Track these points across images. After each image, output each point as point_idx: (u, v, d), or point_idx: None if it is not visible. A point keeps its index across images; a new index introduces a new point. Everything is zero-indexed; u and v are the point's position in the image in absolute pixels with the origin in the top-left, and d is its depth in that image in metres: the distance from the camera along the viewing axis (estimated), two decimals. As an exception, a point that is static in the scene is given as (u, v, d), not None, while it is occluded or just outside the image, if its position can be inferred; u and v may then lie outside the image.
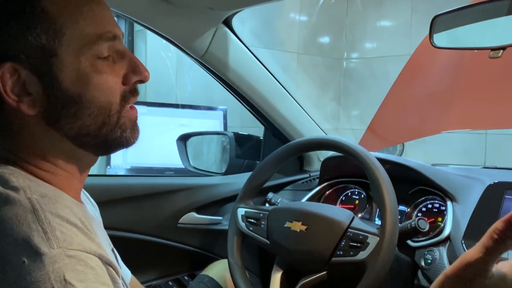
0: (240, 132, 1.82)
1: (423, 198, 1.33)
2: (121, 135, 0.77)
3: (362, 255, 1.07)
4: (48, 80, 0.71)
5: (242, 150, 1.79)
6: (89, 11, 0.73)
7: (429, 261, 1.16)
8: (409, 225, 1.15)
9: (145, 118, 2.14)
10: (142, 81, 0.79)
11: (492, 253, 0.53)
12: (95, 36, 0.72)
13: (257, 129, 1.84)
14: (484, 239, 0.54)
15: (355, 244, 1.10)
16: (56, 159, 0.75)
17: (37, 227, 0.63)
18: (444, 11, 1.11)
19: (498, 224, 0.53)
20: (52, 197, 0.69)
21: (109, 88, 0.74)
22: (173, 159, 1.81)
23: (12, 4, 0.69)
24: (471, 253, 0.55)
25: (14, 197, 0.66)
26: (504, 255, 1.02)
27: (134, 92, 0.79)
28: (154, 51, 3.02)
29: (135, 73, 0.78)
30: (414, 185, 1.34)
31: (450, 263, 1.13)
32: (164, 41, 1.45)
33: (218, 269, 1.46)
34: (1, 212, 0.64)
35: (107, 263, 0.68)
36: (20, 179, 0.69)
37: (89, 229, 0.69)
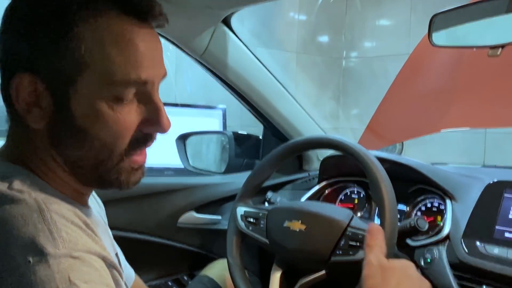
0: (239, 132, 1.82)
1: (423, 197, 1.33)
2: (117, 177, 0.74)
3: (361, 254, 1.07)
4: (60, 103, 0.69)
5: (241, 150, 1.79)
6: (126, 46, 0.69)
7: (429, 260, 1.16)
8: (408, 224, 1.15)
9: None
10: (158, 133, 0.76)
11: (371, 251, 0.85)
12: (121, 79, 0.69)
13: (256, 129, 1.84)
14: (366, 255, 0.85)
15: (354, 243, 1.09)
16: (60, 173, 0.74)
17: (43, 227, 0.63)
18: (443, 10, 1.11)
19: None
20: (57, 199, 0.69)
21: (119, 131, 0.71)
22: (173, 159, 1.81)
23: (49, 20, 0.67)
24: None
25: (19, 197, 0.66)
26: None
27: (147, 140, 0.76)
28: (153, 51, 3.01)
29: (153, 124, 0.74)
30: (413, 184, 1.34)
31: (450, 262, 1.13)
32: (163, 40, 1.45)
33: (217, 269, 1.46)
34: (7, 211, 0.64)
35: (110, 265, 0.68)
36: (27, 181, 0.69)
37: (94, 232, 0.69)
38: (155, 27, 0.75)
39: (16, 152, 0.74)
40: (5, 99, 0.73)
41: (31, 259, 0.60)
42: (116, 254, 0.87)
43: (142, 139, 0.75)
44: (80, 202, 0.77)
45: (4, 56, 0.71)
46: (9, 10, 0.71)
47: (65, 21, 0.67)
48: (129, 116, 0.72)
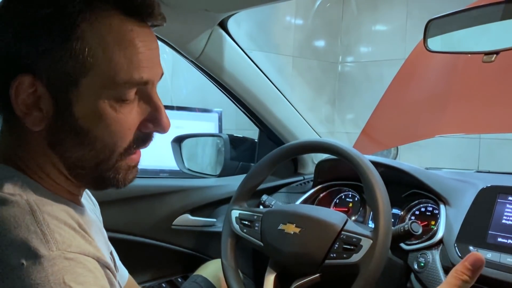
0: (235, 135, 1.82)
1: (417, 202, 1.33)
2: (114, 176, 0.74)
3: (355, 257, 1.07)
4: (61, 105, 0.68)
5: (237, 153, 1.79)
6: (129, 49, 0.69)
7: (422, 264, 1.16)
8: (402, 228, 1.15)
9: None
10: (158, 132, 0.76)
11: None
12: (124, 80, 0.69)
13: (252, 132, 1.84)
14: (449, 278, 0.68)
15: (348, 246, 1.10)
16: (53, 176, 0.73)
17: (36, 229, 0.63)
18: (439, 15, 1.11)
19: (459, 267, 0.67)
20: (49, 200, 0.69)
21: (119, 132, 0.71)
22: (168, 161, 1.81)
23: (51, 21, 0.66)
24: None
25: (11, 199, 0.65)
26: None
27: (147, 140, 0.77)
28: (150, 53, 3.00)
29: (154, 124, 0.75)
30: (407, 189, 1.35)
31: (443, 266, 1.13)
32: (159, 43, 1.45)
33: (211, 269, 1.46)
34: None
35: (104, 266, 0.68)
36: (18, 182, 0.68)
37: (87, 232, 0.69)
38: (152, 27, 0.75)
39: (8, 153, 0.73)
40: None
41: (24, 262, 0.60)
42: (111, 253, 0.87)
43: (142, 139, 0.75)
44: (74, 202, 0.76)
45: (1, 57, 0.69)
46: (4, 11, 0.70)
47: (68, 22, 0.66)
48: (131, 116, 0.72)
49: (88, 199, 0.92)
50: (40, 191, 0.69)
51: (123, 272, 1.04)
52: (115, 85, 0.69)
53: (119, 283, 0.76)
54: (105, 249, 0.82)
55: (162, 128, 0.75)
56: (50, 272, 0.60)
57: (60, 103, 0.69)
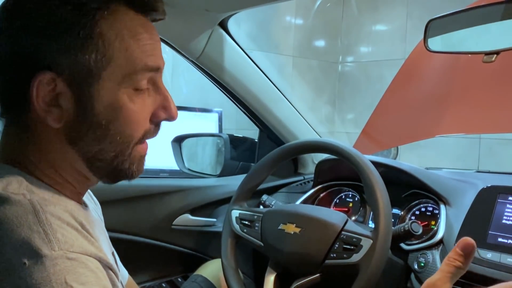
0: (235, 134, 1.82)
1: (417, 202, 1.33)
2: (129, 167, 0.77)
3: (355, 257, 1.07)
4: (84, 99, 0.70)
5: (237, 152, 1.79)
6: (140, 40, 0.73)
7: (422, 264, 1.16)
8: (402, 228, 1.16)
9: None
10: (168, 120, 0.79)
11: (449, 275, 0.64)
12: (140, 66, 0.73)
13: (252, 132, 1.84)
14: (442, 266, 0.65)
15: (348, 246, 1.10)
16: (65, 173, 0.75)
17: (38, 229, 0.63)
18: (439, 16, 1.11)
19: (451, 254, 0.65)
20: (53, 200, 0.69)
21: (136, 122, 0.74)
22: (168, 161, 1.81)
23: (71, 18, 0.68)
24: (433, 276, 0.66)
25: (14, 198, 0.65)
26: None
27: (156, 129, 0.80)
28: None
29: (164, 111, 0.78)
30: (407, 189, 1.35)
31: (443, 266, 1.13)
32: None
33: (211, 269, 1.46)
34: (1, 213, 0.64)
35: (107, 266, 0.68)
36: (23, 182, 0.68)
37: (90, 233, 0.69)
38: (152, 21, 0.79)
39: (13, 152, 0.73)
40: (9, 100, 0.73)
41: (26, 262, 0.60)
42: (113, 253, 0.87)
43: (154, 128, 0.78)
44: (77, 201, 0.77)
45: (17, 56, 0.70)
46: (23, 9, 0.70)
47: (88, 20, 0.69)
48: (145, 105, 0.76)
49: (90, 198, 0.92)
50: (44, 191, 0.69)
51: (123, 273, 1.04)
52: (133, 73, 0.72)
53: (121, 284, 0.76)
54: (108, 249, 0.82)
55: (172, 115, 0.79)
56: (52, 272, 0.60)
57: (81, 99, 0.71)
